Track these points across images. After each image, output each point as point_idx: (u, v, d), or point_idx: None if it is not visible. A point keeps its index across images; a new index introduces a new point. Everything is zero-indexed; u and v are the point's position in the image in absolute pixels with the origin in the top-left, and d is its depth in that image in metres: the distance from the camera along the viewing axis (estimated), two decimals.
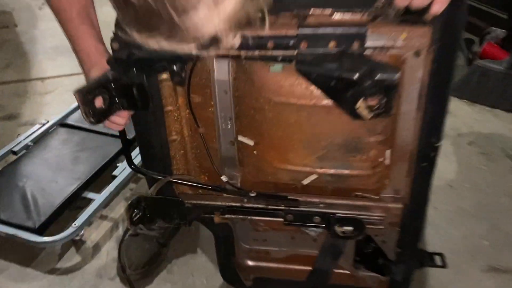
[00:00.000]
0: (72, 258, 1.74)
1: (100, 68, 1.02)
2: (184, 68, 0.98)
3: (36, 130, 2.17)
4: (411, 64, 0.99)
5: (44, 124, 2.20)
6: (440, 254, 1.33)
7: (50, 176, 1.86)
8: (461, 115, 2.60)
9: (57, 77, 2.93)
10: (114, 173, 1.90)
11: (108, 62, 0.99)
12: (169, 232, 1.71)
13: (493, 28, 3.05)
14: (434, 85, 0.99)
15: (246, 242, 1.49)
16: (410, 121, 1.06)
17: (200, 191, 1.31)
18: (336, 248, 1.36)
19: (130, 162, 1.19)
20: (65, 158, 1.97)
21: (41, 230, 1.63)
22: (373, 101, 0.90)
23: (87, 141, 2.06)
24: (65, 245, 1.76)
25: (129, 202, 1.16)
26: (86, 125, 2.12)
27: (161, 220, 1.23)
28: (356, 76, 0.88)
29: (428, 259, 1.35)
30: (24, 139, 2.10)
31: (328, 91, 0.94)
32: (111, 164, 1.96)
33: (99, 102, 0.93)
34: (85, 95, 0.89)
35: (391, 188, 1.19)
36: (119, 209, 1.94)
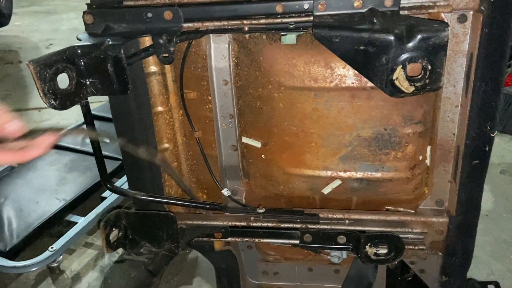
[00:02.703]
0: None
1: None
2: (172, 39, 0.79)
3: None
4: (455, 33, 0.80)
5: None
6: (494, 283, 1.07)
7: (31, 197, 1.70)
8: None
9: None
10: (104, 194, 1.71)
11: (79, 36, 0.80)
12: (161, 257, 1.44)
13: None
14: (488, 56, 0.78)
15: (253, 276, 1.24)
16: (453, 108, 0.86)
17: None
18: (363, 279, 1.11)
19: (105, 180, 0.93)
20: (51, 179, 1.82)
21: (11, 253, 1.44)
22: (414, 69, 0.70)
23: (77, 162, 1.93)
24: (40, 274, 1.55)
25: (105, 218, 0.90)
26: (77, 146, 2.00)
27: (147, 243, 0.97)
28: (392, 36, 0.69)
29: None
30: None
31: (355, 61, 0.74)
32: (101, 185, 1.77)
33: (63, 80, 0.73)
34: (42, 68, 0.68)
35: (433, 198, 0.97)
36: None
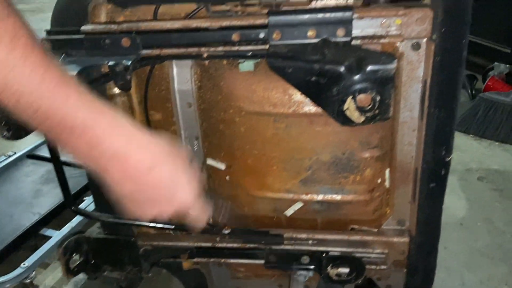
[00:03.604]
0: None
1: None
2: (129, 68, 0.79)
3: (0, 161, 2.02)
4: (410, 60, 0.81)
5: (9, 156, 2.06)
6: None
7: (5, 210, 1.67)
8: (469, 150, 2.43)
9: None
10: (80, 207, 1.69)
11: None
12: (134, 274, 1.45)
13: (497, 63, 2.96)
14: (440, 84, 0.80)
15: None
16: (411, 132, 0.87)
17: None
18: None
19: (69, 202, 0.94)
20: (26, 191, 1.79)
21: None
22: (364, 100, 0.71)
23: (53, 173, 1.86)
24: None
25: (64, 244, 0.90)
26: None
27: (110, 267, 0.98)
28: (342, 67, 0.70)
29: None
30: None
31: (308, 91, 0.75)
32: (77, 198, 1.76)
33: None
34: None
35: (394, 218, 0.98)
36: None
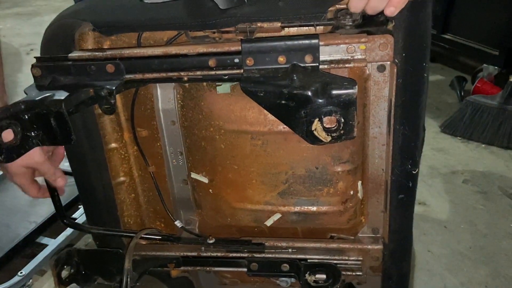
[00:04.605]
0: None
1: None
2: (113, 93, 0.85)
3: None
4: (376, 80, 0.87)
5: None
6: None
7: (2, 220, 1.69)
8: (455, 152, 2.47)
9: None
10: (74, 216, 1.71)
11: (26, 90, 0.86)
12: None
13: (485, 65, 3.01)
14: (403, 103, 0.86)
15: None
16: (380, 147, 0.93)
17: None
18: None
19: (61, 215, 0.99)
20: (22, 200, 1.80)
21: None
22: (330, 121, 0.76)
23: None
24: None
25: (56, 257, 0.96)
26: None
27: (100, 278, 1.04)
28: (308, 92, 0.75)
29: None
30: None
31: (279, 113, 0.80)
32: (73, 206, 1.79)
33: (8, 136, 0.79)
34: None
35: (369, 227, 1.04)
36: None
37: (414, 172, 0.91)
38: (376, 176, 0.97)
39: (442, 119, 2.76)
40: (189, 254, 1.07)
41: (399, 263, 1.03)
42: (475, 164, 2.36)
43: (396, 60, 0.83)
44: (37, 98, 0.81)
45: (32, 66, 0.87)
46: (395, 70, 0.83)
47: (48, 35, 0.92)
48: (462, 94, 3.05)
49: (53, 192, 0.97)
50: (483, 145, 2.55)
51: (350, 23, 0.84)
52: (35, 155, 0.93)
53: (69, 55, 0.87)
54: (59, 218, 1.00)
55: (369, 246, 1.02)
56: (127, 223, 1.16)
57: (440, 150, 2.41)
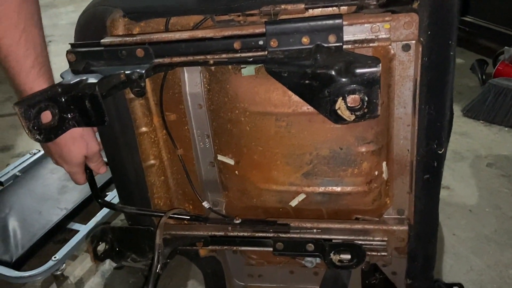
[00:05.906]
0: None
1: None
2: (143, 76, 0.88)
3: (25, 160, 2.13)
4: (401, 60, 0.87)
5: (34, 154, 2.17)
6: (459, 285, 1.15)
7: (34, 207, 1.77)
8: (478, 136, 2.42)
9: None
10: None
11: (62, 74, 0.90)
12: None
13: (507, 48, 2.93)
14: (429, 83, 0.86)
15: (240, 278, 1.34)
16: (406, 127, 0.93)
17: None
18: (338, 281, 1.20)
19: (96, 195, 1.05)
20: (52, 188, 1.89)
21: (18, 264, 1.52)
22: (353, 100, 0.77)
23: None
24: (46, 281, 1.63)
25: (91, 233, 1.01)
26: None
27: (132, 254, 1.08)
28: (332, 71, 0.76)
29: None
30: (13, 169, 2.06)
31: (303, 93, 0.82)
32: (101, 192, 1.86)
33: (46, 117, 0.83)
34: (27, 109, 0.79)
35: (394, 208, 1.04)
36: None
37: (440, 152, 0.91)
38: (401, 156, 0.97)
39: (464, 103, 2.71)
40: (217, 233, 1.10)
41: (425, 244, 1.04)
42: (498, 147, 2.32)
43: (421, 39, 0.83)
44: (72, 82, 0.85)
45: (67, 52, 0.90)
46: (420, 49, 0.83)
47: (81, 22, 0.95)
48: (484, 77, 2.98)
49: (89, 175, 1.02)
50: (506, 129, 2.49)
51: (374, 3, 0.84)
52: (93, 145, 1.00)
53: (101, 41, 0.90)
54: (95, 199, 1.04)
55: (394, 227, 1.03)
56: (157, 204, 1.20)
57: (463, 134, 2.37)
